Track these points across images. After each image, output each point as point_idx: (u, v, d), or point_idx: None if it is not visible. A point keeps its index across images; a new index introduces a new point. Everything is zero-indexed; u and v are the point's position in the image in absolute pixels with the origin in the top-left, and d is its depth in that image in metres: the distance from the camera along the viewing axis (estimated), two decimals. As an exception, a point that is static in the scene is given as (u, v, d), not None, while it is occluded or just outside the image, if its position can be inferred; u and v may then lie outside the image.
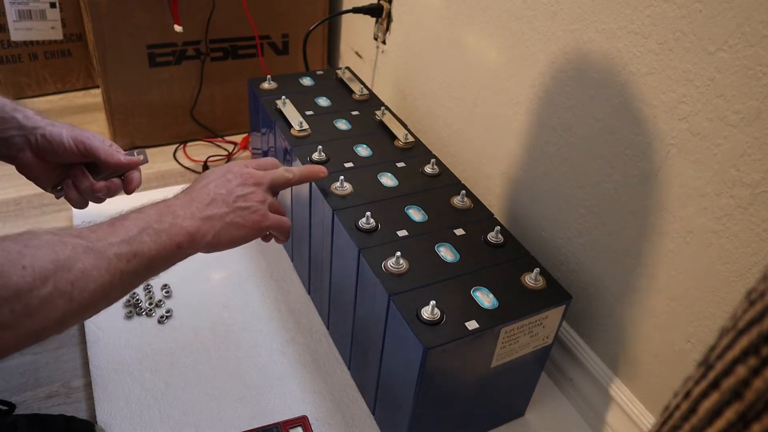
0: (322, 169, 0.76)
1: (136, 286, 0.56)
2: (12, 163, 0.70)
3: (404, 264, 0.68)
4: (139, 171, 0.73)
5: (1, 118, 0.66)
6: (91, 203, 0.74)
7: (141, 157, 0.72)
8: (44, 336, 0.47)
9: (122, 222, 0.54)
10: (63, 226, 1.06)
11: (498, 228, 0.74)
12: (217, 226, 0.60)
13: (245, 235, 0.63)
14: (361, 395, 0.81)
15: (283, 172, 0.71)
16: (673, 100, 0.61)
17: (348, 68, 1.09)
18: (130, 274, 0.53)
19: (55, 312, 0.46)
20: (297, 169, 0.73)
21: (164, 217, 0.57)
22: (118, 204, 0.65)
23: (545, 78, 0.78)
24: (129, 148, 1.26)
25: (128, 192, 0.73)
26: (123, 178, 0.73)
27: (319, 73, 1.08)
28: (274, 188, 0.69)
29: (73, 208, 1.05)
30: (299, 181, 0.74)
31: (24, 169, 0.70)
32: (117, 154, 0.70)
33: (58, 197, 0.74)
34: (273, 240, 0.73)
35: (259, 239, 0.69)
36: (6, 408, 0.70)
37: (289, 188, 0.92)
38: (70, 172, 0.71)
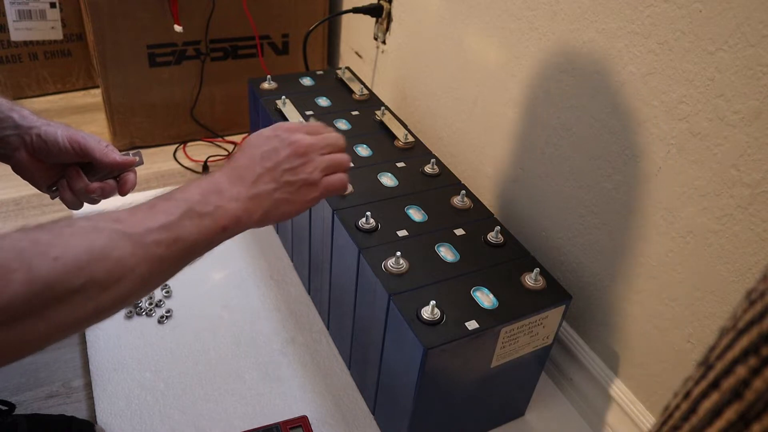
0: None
1: (177, 272, 0.53)
2: (7, 163, 0.69)
3: (404, 264, 0.68)
4: (134, 172, 0.72)
5: None
6: (85, 204, 0.74)
7: (136, 158, 0.72)
8: (79, 327, 0.46)
9: (164, 204, 0.52)
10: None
11: (498, 228, 0.74)
12: (265, 204, 0.57)
13: (294, 210, 0.60)
14: (361, 395, 0.81)
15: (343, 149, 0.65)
16: (673, 100, 0.61)
17: (348, 68, 1.09)
18: (170, 260, 0.50)
19: (89, 302, 0.45)
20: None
21: (209, 198, 0.54)
22: (113, 206, 0.65)
23: (545, 78, 0.78)
24: (129, 148, 1.26)
25: (122, 193, 0.72)
26: (118, 180, 0.72)
27: (319, 73, 1.08)
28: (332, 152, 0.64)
29: (72, 210, 1.04)
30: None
31: (19, 169, 0.70)
32: (112, 153, 0.69)
33: (52, 197, 0.74)
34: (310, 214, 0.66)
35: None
36: (6, 408, 0.70)
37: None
38: (65, 173, 0.71)
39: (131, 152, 0.72)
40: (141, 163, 0.72)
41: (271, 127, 0.62)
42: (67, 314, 0.44)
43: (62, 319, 0.43)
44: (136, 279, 0.47)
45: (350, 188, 0.79)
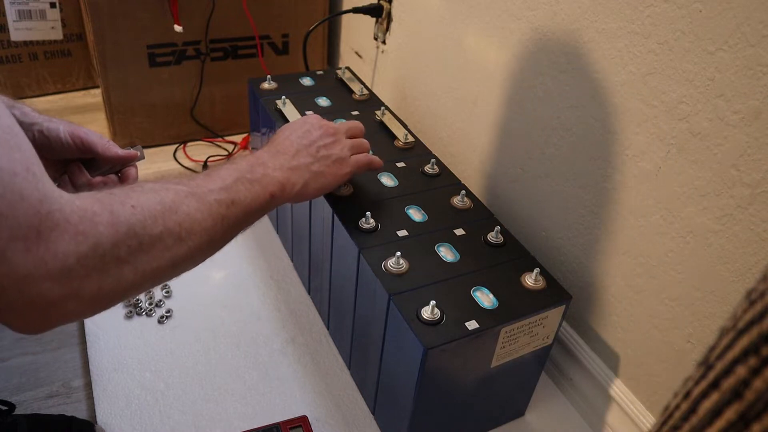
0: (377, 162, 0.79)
1: (236, 234, 0.58)
2: None
3: (404, 264, 0.68)
4: (136, 167, 0.74)
5: None
6: None
7: (137, 152, 0.72)
8: (160, 278, 0.49)
9: (217, 172, 0.58)
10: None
11: (498, 228, 0.74)
12: (305, 175, 0.64)
13: (330, 182, 0.68)
14: (361, 395, 0.81)
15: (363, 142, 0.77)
16: (673, 100, 0.61)
17: (348, 68, 1.09)
18: (230, 220, 0.55)
19: (167, 252, 0.48)
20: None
21: (255, 168, 0.60)
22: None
23: (545, 78, 0.78)
24: (129, 145, 1.26)
25: None
26: (119, 175, 0.73)
27: (319, 73, 1.08)
28: (354, 136, 0.75)
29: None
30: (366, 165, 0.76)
31: None
32: (114, 148, 0.71)
33: None
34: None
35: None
36: (6, 408, 0.70)
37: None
38: (67, 169, 0.71)
39: (132, 147, 0.73)
40: (142, 157, 0.73)
41: (300, 118, 0.72)
42: (149, 261, 0.47)
43: (146, 266, 0.47)
44: (203, 234, 0.52)
45: (350, 188, 0.79)
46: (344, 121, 0.94)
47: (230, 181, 0.56)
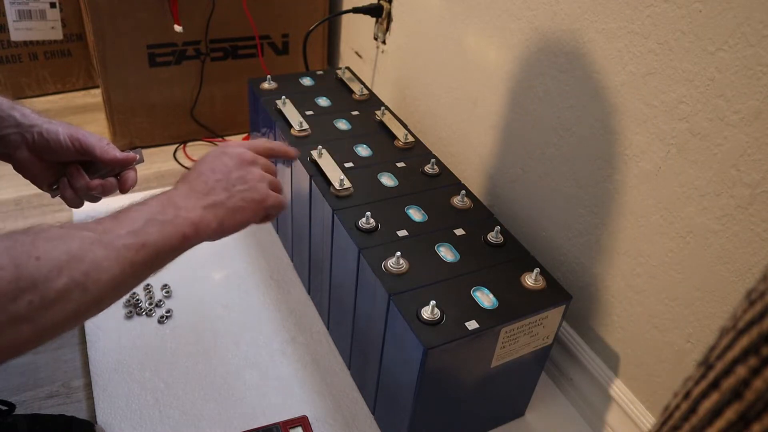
0: (293, 152, 0.75)
1: (146, 277, 0.55)
2: (8, 161, 0.69)
3: (404, 264, 0.68)
4: (135, 170, 0.73)
5: None
6: (86, 203, 0.74)
7: (137, 155, 0.72)
8: (61, 330, 0.47)
9: (127, 214, 0.55)
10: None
11: (498, 228, 0.74)
12: (220, 213, 0.60)
13: (249, 218, 0.63)
14: (361, 395, 0.81)
15: (264, 142, 0.71)
16: (673, 100, 0.61)
17: (348, 68, 1.09)
18: (139, 264, 0.52)
19: (71, 304, 0.46)
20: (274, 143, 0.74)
21: (167, 209, 0.57)
22: (114, 203, 0.66)
23: (545, 78, 0.78)
24: (129, 148, 1.26)
25: (123, 191, 0.73)
26: (119, 178, 0.73)
27: (319, 73, 1.08)
28: (267, 159, 0.69)
29: (72, 209, 1.05)
30: (270, 150, 0.72)
31: (21, 168, 0.70)
32: (113, 151, 0.70)
33: (53, 196, 0.74)
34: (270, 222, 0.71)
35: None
36: (6, 408, 0.70)
37: (290, 188, 0.92)
38: (66, 171, 0.71)
39: (131, 150, 0.72)
40: (141, 161, 0.73)
41: (216, 147, 0.66)
42: (51, 317, 0.45)
43: (46, 322, 0.45)
44: (110, 281, 0.49)
45: (350, 188, 0.79)
46: (344, 121, 0.94)
47: (140, 224, 0.53)
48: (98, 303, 0.49)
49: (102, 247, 0.49)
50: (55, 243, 0.47)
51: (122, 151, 0.72)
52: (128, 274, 0.51)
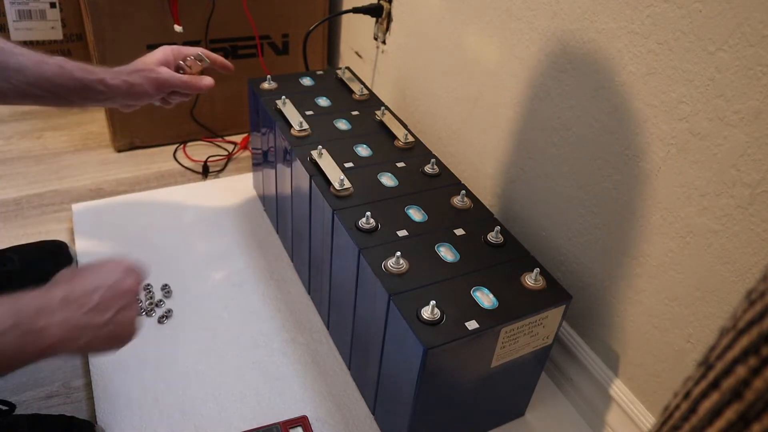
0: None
1: None
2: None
3: (404, 264, 0.68)
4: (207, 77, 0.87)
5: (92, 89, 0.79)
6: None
7: (200, 62, 0.87)
8: None
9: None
10: (63, 227, 1.06)
11: (498, 228, 0.74)
12: (88, 335, 0.57)
13: (110, 348, 0.61)
14: (361, 395, 0.81)
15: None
16: (673, 100, 0.61)
17: (348, 68, 1.09)
18: None
19: None
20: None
21: (39, 316, 0.53)
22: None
23: (545, 78, 0.78)
24: (129, 148, 1.26)
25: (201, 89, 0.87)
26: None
27: (319, 73, 1.08)
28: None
29: (73, 207, 1.06)
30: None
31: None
32: (183, 79, 0.84)
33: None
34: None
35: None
36: (6, 408, 0.71)
37: (290, 188, 0.92)
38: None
39: (193, 57, 0.87)
40: (206, 62, 0.88)
41: (112, 263, 0.62)
42: None
43: None
44: None
45: (350, 188, 0.79)
46: (344, 121, 0.94)
47: (7, 326, 0.50)
48: None
49: None
50: None
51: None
52: None
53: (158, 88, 0.82)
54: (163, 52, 0.84)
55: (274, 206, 1.04)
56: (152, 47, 1.18)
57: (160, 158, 1.26)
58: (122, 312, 0.60)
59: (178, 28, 1.14)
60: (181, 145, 1.29)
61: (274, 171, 1.00)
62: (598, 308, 0.77)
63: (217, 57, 0.90)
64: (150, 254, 0.99)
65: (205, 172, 1.23)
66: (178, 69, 0.87)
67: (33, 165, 1.19)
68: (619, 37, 0.66)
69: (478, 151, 0.96)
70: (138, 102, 0.83)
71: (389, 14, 1.15)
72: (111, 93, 0.79)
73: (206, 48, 1.21)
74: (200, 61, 0.87)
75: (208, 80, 0.87)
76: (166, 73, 0.82)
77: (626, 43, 0.65)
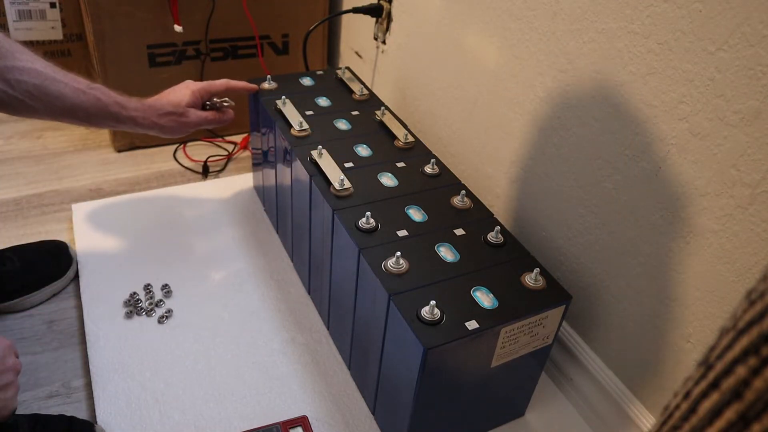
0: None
1: None
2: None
3: (404, 264, 0.68)
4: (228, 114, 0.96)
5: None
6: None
7: (227, 105, 0.96)
8: None
9: None
10: (63, 227, 1.05)
11: (498, 228, 0.74)
12: None
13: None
14: (361, 395, 0.81)
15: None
16: (673, 100, 0.61)
17: (348, 68, 1.09)
18: None
19: None
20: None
21: None
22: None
23: (545, 78, 0.78)
24: (129, 148, 1.26)
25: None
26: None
27: (319, 73, 1.08)
28: None
29: (73, 207, 1.06)
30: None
31: None
32: (207, 119, 0.93)
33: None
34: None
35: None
36: (6, 408, 0.70)
37: (290, 188, 0.92)
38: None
39: (219, 101, 0.95)
40: (232, 104, 0.97)
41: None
42: None
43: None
44: None
45: (350, 188, 0.79)
46: (344, 121, 0.94)
47: None
48: None
49: None
50: None
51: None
52: None
53: (186, 130, 0.91)
54: (193, 94, 0.91)
55: (274, 206, 1.04)
56: (152, 47, 1.19)
57: (160, 158, 1.26)
58: (3, 390, 0.62)
59: (178, 28, 1.14)
60: (181, 145, 1.29)
61: (274, 171, 1.00)
62: (598, 308, 0.77)
63: (242, 85, 0.97)
64: (150, 254, 0.99)
65: (205, 172, 1.23)
66: (204, 106, 0.95)
67: (33, 165, 1.19)
68: (619, 37, 0.66)
69: (478, 151, 0.96)
70: (165, 137, 0.92)
71: (389, 14, 1.15)
72: (140, 130, 0.88)
73: (206, 48, 1.22)
74: (227, 103, 0.96)
75: (230, 114, 0.96)
76: (195, 116, 0.91)
77: (626, 43, 0.65)
